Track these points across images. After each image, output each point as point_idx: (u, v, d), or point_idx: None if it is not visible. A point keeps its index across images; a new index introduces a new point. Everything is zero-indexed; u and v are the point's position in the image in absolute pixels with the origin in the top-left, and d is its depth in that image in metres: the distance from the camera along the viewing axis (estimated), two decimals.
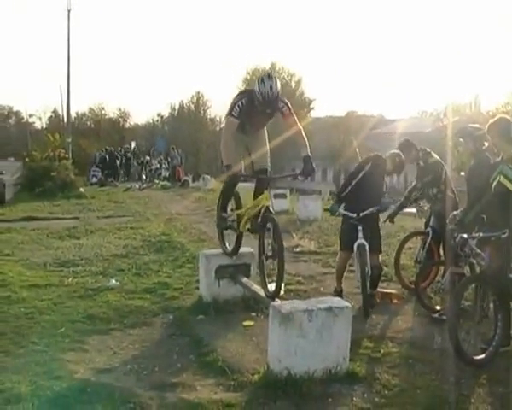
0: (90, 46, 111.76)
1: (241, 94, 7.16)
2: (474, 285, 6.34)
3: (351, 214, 7.87)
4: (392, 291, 8.51)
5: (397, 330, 7.09)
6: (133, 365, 5.90)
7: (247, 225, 7.60)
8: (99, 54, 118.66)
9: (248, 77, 75.28)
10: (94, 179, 33.10)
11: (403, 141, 8.99)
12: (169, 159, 34.06)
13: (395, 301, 8.22)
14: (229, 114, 6.99)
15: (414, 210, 9.74)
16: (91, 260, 10.76)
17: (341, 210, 8.11)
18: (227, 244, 8.31)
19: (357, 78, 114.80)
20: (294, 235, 13.94)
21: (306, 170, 6.99)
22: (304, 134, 6.97)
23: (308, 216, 16.81)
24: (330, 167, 64.61)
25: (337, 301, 5.87)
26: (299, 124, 6.99)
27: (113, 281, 9.04)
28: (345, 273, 8.30)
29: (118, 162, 37.10)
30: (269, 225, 6.80)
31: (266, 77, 6.75)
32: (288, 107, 6.91)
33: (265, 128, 7.61)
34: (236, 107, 6.88)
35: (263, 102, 6.64)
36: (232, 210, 8.17)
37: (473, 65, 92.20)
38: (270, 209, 6.88)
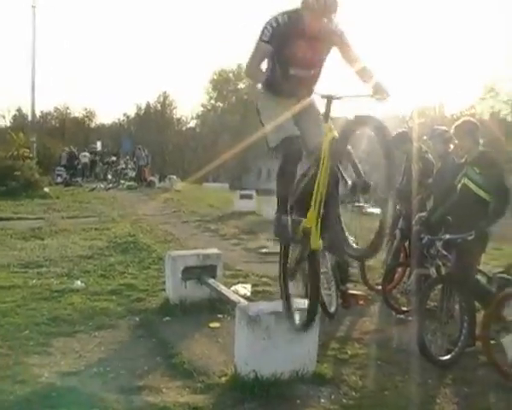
0: (56, 44, 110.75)
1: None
2: (440, 286, 6.39)
3: None
4: (359, 293, 8.53)
5: (364, 331, 7.12)
6: (99, 368, 5.81)
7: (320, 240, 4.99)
8: (64, 52, 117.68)
9: (215, 77, 75.29)
10: (59, 179, 32.73)
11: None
12: (135, 159, 33.85)
13: (361, 302, 8.23)
14: (259, 39, 4.93)
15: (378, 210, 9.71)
16: (56, 261, 10.60)
17: None
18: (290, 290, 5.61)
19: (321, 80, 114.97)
20: (261, 235, 13.97)
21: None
22: None
23: None
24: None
25: (304, 304, 5.85)
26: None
27: (79, 282, 8.91)
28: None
29: (79, 162, 36.71)
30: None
31: None
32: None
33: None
34: (268, 27, 4.88)
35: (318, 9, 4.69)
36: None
37: (439, 70, 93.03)
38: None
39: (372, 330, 7.15)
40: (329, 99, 4.77)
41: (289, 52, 4.96)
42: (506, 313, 6.28)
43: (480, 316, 6.36)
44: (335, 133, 4.62)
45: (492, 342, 5.93)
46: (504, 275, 6.72)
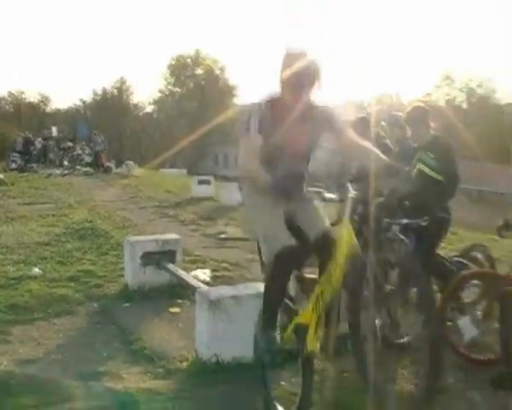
0: (9, 29, 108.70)
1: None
2: (396, 270, 6.46)
3: None
4: (312, 276, 8.57)
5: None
6: (58, 355, 5.78)
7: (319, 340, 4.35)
8: (19, 37, 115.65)
9: (173, 63, 74.89)
10: (13, 165, 32.21)
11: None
12: (92, 145, 33.47)
13: None
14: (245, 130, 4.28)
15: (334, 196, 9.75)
16: (12, 248, 10.48)
17: None
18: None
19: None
20: (220, 221, 13.98)
21: None
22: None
23: (233, 202, 16.82)
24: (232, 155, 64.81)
25: None
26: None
27: (36, 269, 8.81)
28: None
29: (35, 148, 36.14)
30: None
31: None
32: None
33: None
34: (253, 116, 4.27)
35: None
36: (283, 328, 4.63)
37: (396, 58, 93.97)
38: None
39: None
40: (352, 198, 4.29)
41: (274, 144, 4.27)
42: (463, 296, 6.41)
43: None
44: (354, 239, 4.13)
45: (449, 323, 6.02)
46: (460, 259, 6.83)
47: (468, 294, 6.59)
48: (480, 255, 7.04)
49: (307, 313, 4.27)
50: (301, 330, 4.26)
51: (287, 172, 4.38)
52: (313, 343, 4.22)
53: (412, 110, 6.74)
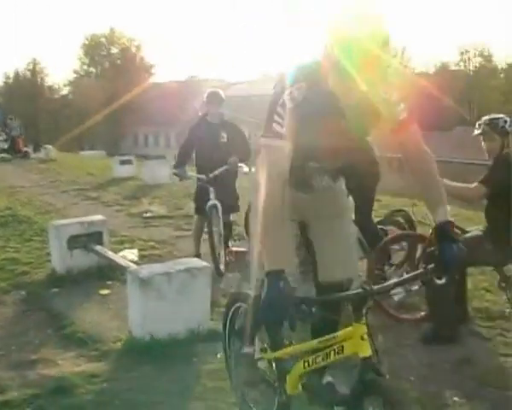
0: None
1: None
2: None
3: (200, 176, 7.88)
4: (244, 250, 8.64)
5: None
6: None
7: (301, 381, 3.44)
8: None
9: (87, 42, 73.52)
10: None
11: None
12: (7, 130, 32.55)
13: (248, 259, 8.34)
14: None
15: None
16: None
17: (190, 173, 8.14)
18: None
19: (197, 42, 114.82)
20: (144, 200, 13.89)
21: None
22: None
23: (155, 181, 16.75)
24: (172, 133, 64.55)
25: (195, 262, 5.90)
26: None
27: None
28: (202, 236, 8.34)
29: None
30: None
31: None
32: None
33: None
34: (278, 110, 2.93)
35: None
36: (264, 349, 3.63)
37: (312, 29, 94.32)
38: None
39: None
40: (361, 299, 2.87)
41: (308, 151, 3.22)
42: (389, 258, 6.60)
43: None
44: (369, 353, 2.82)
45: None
46: (383, 226, 6.98)
47: (394, 257, 6.78)
48: (401, 219, 7.23)
49: (293, 351, 3.43)
50: (282, 368, 3.52)
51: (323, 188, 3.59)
52: (294, 386, 3.45)
53: None
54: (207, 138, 7.92)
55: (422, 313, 5.91)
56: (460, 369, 4.97)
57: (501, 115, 5.69)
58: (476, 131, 5.69)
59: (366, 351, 2.80)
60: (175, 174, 8.28)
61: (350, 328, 2.91)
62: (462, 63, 66.26)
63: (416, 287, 4.13)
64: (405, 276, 3.35)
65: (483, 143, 5.66)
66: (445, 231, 2.96)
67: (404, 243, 6.75)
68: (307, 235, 3.76)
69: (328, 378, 3.72)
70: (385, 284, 2.96)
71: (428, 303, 5.70)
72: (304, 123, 2.94)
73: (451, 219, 3.00)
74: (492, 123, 5.57)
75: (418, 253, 6.41)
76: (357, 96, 2.85)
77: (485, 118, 5.68)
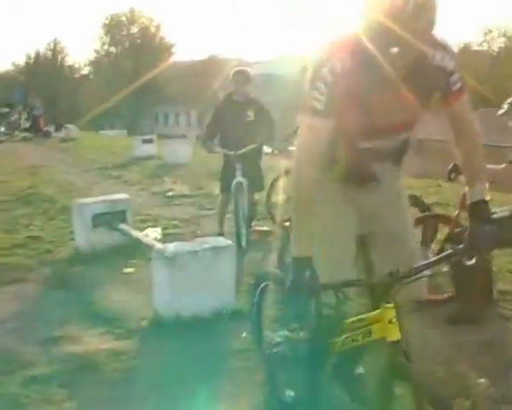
0: None
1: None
2: None
3: (229, 152, 7.83)
4: (266, 229, 8.64)
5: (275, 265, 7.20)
6: (13, 323, 5.67)
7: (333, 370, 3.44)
8: None
9: (107, 22, 73.47)
10: None
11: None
12: (29, 109, 32.70)
13: (271, 238, 8.33)
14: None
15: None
16: None
17: (218, 148, 8.09)
18: None
19: (218, 21, 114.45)
20: (166, 179, 13.92)
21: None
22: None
23: (177, 160, 16.74)
24: (192, 112, 64.54)
25: (220, 241, 5.89)
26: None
27: None
28: (227, 215, 8.36)
29: None
30: None
31: None
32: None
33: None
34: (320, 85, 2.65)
35: None
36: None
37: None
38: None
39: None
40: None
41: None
42: None
43: None
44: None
45: None
46: None
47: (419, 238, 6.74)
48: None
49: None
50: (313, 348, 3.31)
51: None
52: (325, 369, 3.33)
53: None
54: (233, 117, 7.89)
55: (448, 294, 5.87)
56: (486, 351, 4.94)
57: None
58: (501, 111, 5.64)
59: (394, 335, 2.70)
60: (204, 147, 8.23)
61: (378, 311, 2.80)
62: (485, 44, 65.36)
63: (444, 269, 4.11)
64: (434, 258, 3.31)
65: (510, 122, 5.60)
66: (478, 211, 2.89)
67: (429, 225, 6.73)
68: (367, 252, 3.34)
69: (360, 370, 3.63)
70: (413, 267, 2.85)
71: (454, 284, 5.66)
72: (352, 96, 2.69)
73: (488, 198, 2.92)
74: None
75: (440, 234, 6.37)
76: (410, 63, 2.60)
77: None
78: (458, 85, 2.83)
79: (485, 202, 2.92)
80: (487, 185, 2.94)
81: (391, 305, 2.74)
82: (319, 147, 2.76)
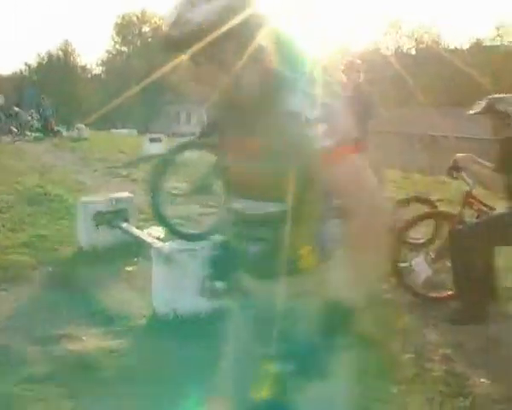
0: None
1: None
2: None
3: None
4: None
5: None
6: (14, 321, 5.69)
7: None
8: None
9: (119, 22, 73.69)
10: None
11: None
12: (40, 110, 32.81)
13: None
14: None
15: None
16: None
17: None
18: None
19: None
20: (172, 177, 13.91)
21: None
22: None
23: (183, 159, 16.68)
24: (204, 110, 64.60)
25: (219, 238, 5.85)
26: None
27: None
28: None
29: None
30: None
31: None
32: None
33: None
34: None
35: None
36: None
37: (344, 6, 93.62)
38: None
39: None
40: None
41: None
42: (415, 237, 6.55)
43: None
44: None
45: (404, 264, 6.07)
46: None
47: (420, 235, 6.71)
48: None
49: None
50: None
51: None
52: None
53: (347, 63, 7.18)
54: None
55: (450, 292, 5.83)
56: (487, 350, 4.90)
57: None
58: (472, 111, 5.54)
59: None
60: None
61: None
62: (498, 38, 64.89)
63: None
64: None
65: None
66: None
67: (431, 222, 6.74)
68: None
69: None
70: None
71: (456, 282, 5.61)
72: None
73: None
74: None
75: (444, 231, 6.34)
76: None
77: None
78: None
79: None
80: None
81: None
82: None
